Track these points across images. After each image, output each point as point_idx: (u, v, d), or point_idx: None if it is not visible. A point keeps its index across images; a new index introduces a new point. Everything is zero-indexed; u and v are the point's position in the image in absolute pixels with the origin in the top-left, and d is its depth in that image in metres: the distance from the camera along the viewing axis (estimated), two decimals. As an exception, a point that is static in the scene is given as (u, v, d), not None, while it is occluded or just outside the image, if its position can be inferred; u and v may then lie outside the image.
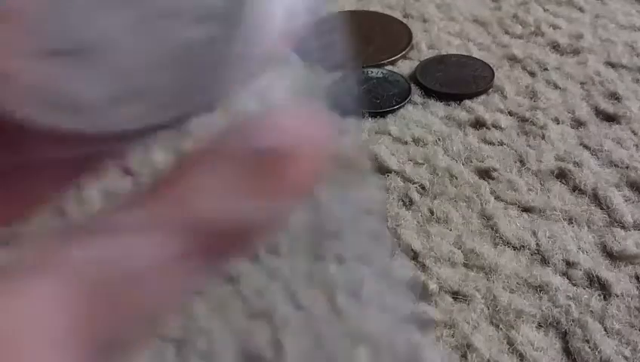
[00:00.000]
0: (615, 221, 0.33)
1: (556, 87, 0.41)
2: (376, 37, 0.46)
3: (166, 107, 0.13)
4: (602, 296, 0.29)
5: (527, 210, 0.33)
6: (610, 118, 0.39)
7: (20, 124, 0.13)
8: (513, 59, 0.44)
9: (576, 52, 0.44)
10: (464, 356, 0.27)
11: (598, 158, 0.36)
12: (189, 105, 0.14)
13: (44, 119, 0.13)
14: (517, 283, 0.30)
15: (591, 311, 0.29)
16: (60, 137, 0.13)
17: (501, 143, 0.37)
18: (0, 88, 0.13)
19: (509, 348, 0.27)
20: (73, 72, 0.13)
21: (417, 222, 0.33)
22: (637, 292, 0.29)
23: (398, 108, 0.40)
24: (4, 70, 0.13)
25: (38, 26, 0.13)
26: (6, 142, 0.14)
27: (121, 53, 0.13)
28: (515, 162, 0.36)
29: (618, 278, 0.30)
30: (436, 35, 0.46)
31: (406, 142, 0.38)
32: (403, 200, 0.34)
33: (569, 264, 0.31)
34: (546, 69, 0.43)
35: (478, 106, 0.40)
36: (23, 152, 0.14)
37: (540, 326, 0.28)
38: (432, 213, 0.33)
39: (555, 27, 0.47)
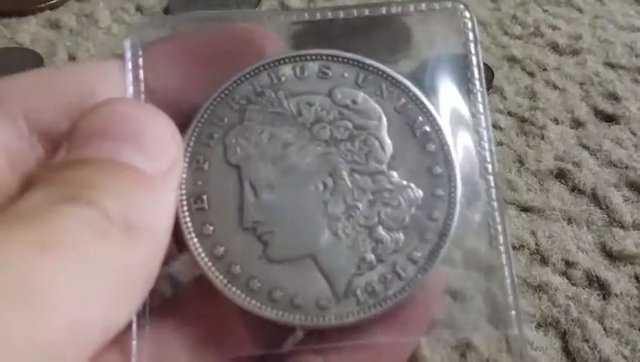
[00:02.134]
0: (614, 221, 0.33)
1: (555, 87, 0.42)
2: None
3: (369, 306, 0.17)
4: (601, 296, 0.29)
5: (526, 209, 0.33)
6: (609, 118, 0.39)
7: (259, 321, 0.17)
8: (512, 60, 0.44)
9: (575, 52, 0.44)
10: (463, 355, 0.27)
11: (597, 158, 0.36)
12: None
13: (273, 315, 0.17)
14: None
15: (590, 310, 0.29)
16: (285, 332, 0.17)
17: (500, 143, 0.37)
18: (243, 287, 0.17)
19: (508, 348, 0.27)
20: (297, 276, 0.17)
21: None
22: (636, 292, 0.29)
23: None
24: (250, 275, 0.17)
25: (271, 238, 0.17)
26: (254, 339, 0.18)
27: (331, 257, 0.17)
28: (515, 162, 0.36)
29: (617, 278, 0.30)
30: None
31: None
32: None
33: (568, 264, 0.31)
34: (545, 70, 0.43)
35: (477, 107, 0.40)
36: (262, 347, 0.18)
37: (539, 325, 0.29)
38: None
39: (554, 28, 0.47)
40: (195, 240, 0.17)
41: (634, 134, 0.38)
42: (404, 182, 0.18)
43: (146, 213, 0.15)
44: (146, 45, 0.18)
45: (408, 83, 0.19)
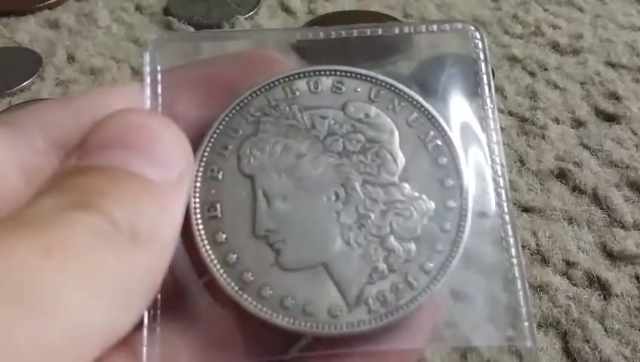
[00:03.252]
0: (615, 221, 0.33)
1: (556, 87, 0.41)
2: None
3: (380, 315, 0.17)
4: (602, 296, 0.29)
5: (527, 209, 0.33)
6: (610, 118, 0.39)
7: (269, 328, 0.17)
8: (513, 59, 0.44)
9: (576, 52, 0.44)
10: (464, 356, 0.27)
11: (598, 158, 0.36)
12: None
13: (285, 323, 0.17)
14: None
15: (591, 311, 0.29)
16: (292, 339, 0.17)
17: (501, 143, 0.37)
18: (254, 294, 0.17)
19: (508, 348, 0.27)
20: (309, 284, 0.17)
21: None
22: (637, 292, 0.29)
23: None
24: (262, 283, 0.17)
25: (284, 246, 0.17)
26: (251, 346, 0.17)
27: (343, 266, 0.17)
28: (515, 162, 0.36)
29: (618, 278, 0.30)
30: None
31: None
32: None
33: (569, 264, 0.31)
34: (546, 69, 0.43)
35: (478, 106, 0.40)
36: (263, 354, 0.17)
37: (540, 326, 0.28)
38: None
39: (555, 27, 0.47)
40: (208, 247, 0.17)
41: (635, 134, 0.38)
42: (416, 194, 0.18)
43: (153, 222, 0.15)
44: (164, 71, 0.19)
45: (420, 98, 0.19)
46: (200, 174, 0.18)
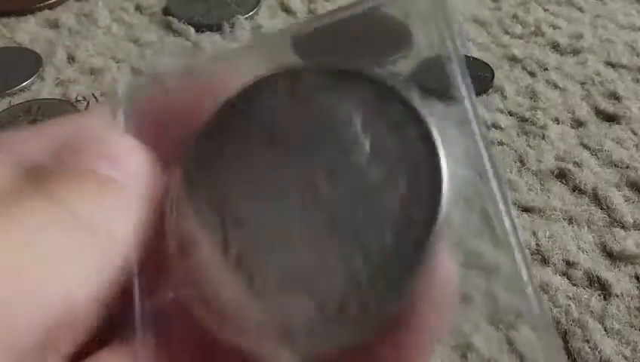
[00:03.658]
0: (615, 221, 0.33)
1: (556, 87, 0.41)
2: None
3: (363, 324, 0.16)
4: (602, 296, 0.29)
5: (527, 209, 0.33)
6: (610, 118, 0.39)
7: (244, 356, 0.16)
8: (513, 59, 0.44)
9: (576, 52, 0.44)
10: (464, 356, 0.27)
11: (598, 158, 0.36)
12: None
13: (264, 348, 0.16)
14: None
15: (591, 311, 0.29)
16: None
17: (501, 143, 0.37)
18: (232, 325, 0.16)
19: (509, 348, 0.27)
20: (284, 303, 0.16)
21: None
22: (637, 292, 0.29)
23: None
24: (237, 311, 0.16)
25: (256, 269, 0.17)
26: None
27: (320, 279, 0.16)
28: (515, 162, 0.36)
29: (618, 278, 0.30)
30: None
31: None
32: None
33: (569, 264, 0.31)
34: (546, 69, 0.43)
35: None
36: None
37: (539, 326, 0.28)
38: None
39: (555, 27, 0.47)
40: (184, 287, 0.17)
41: (635, 134, 0.38)
42: (386, 177, 0.17)
43: (107, 218, 0.16)
44: (129, 117, 0.19)
45: (385, 79, 0.18)
46: (168, 208, 0.18)
